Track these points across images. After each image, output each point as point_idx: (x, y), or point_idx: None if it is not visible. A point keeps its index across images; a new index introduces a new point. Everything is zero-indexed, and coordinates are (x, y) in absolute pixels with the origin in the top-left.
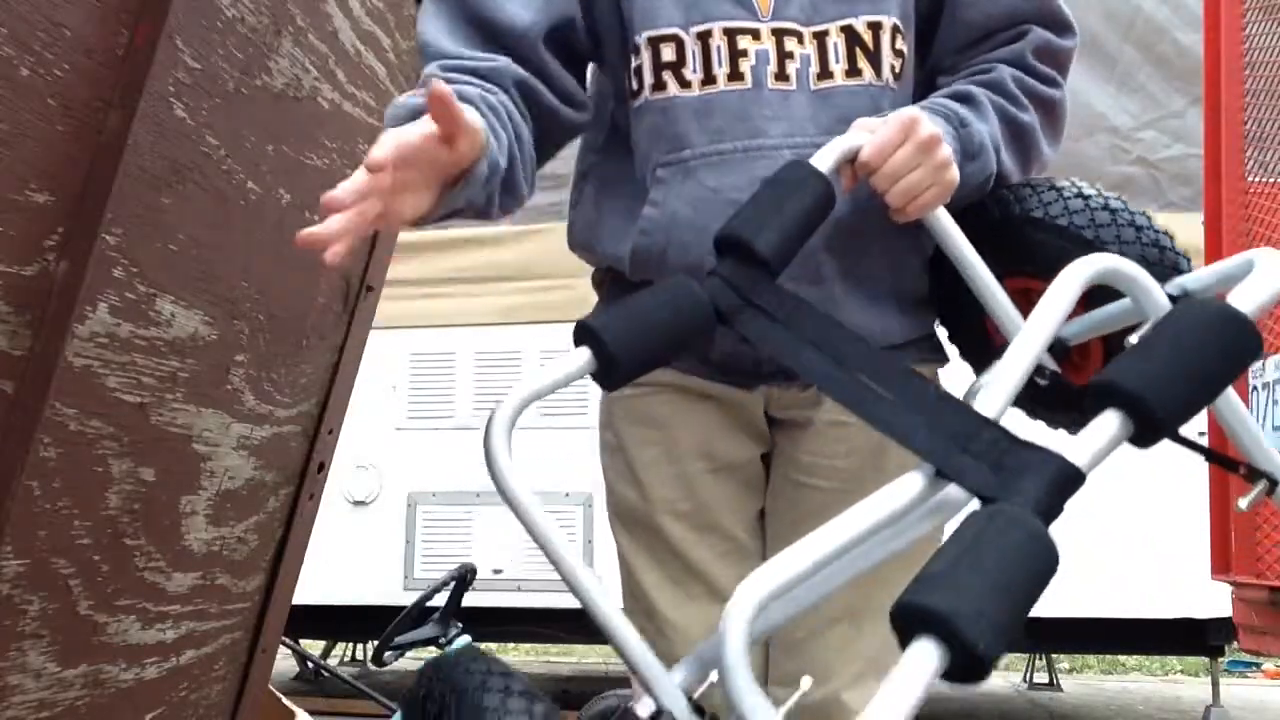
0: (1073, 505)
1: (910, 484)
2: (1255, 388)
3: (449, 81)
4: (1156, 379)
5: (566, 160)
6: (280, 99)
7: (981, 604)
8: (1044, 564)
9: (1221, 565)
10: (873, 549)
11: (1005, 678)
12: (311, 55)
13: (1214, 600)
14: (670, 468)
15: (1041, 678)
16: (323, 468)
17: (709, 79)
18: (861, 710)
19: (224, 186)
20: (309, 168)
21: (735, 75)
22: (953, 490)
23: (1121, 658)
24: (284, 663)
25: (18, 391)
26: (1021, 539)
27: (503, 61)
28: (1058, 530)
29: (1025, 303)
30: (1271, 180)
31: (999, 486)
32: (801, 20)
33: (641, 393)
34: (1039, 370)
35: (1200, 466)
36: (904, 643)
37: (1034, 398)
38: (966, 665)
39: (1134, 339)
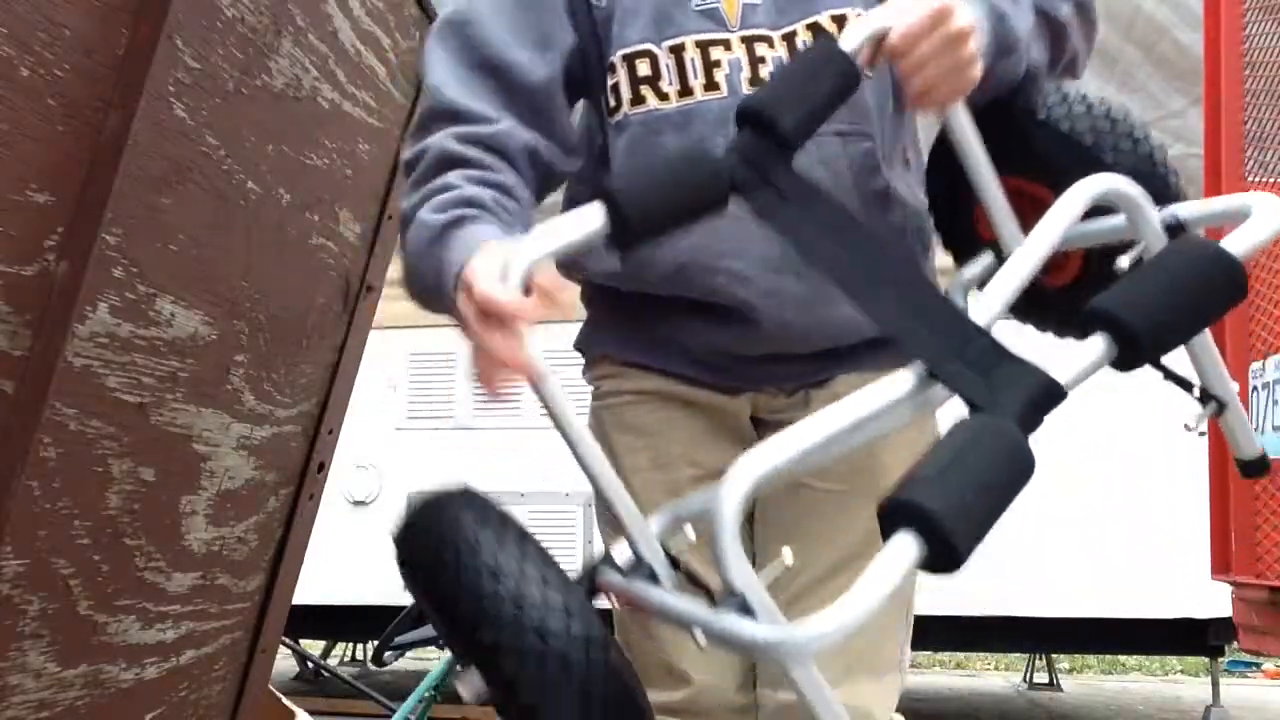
0: (1073, 505)
1: (903, 381)
2: (1255, 388)
3: (460, 159)
4: (1147, 310)
5: None
6: (280, 99)
7: (962, 504)
8: (1020, 473)
9: (1221, 565)
10: (858, 432)
11: (1005, 678)
12: (311, 55)
13: (1214, 600)
14: (658, 474)
15: (1041, 678)
16: (323, 468)
17: (685, 90)
18: (852, 706)
19: (224, 186)
20: (309, 168)
21: (711, 85)
22: (939, 389)
23: (1121, 658)
24: (284, 663)
25: (18, 391)
26: (1003, 449)
27: (508, 125)
28: (1057, 523)
29: (1015, 203)
30: (1271, 180)
31: (986, 395)
32: (768, 25)
33: (629, 401)
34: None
35: (1201, 467)
36: (887, 535)
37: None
38: (943, 557)
39: (1125, 261)
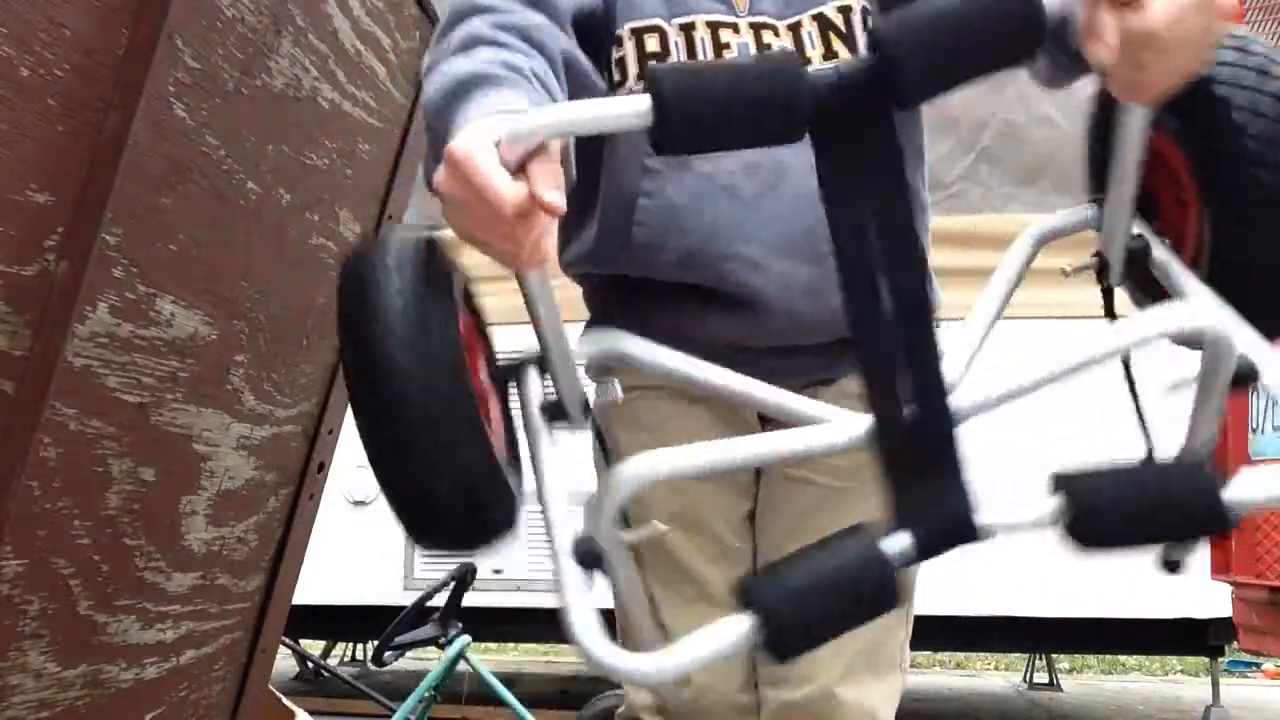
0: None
1: (844, 431)
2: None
3: (497, 41)
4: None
5: None
6: (280, 99)
7: (802, 615)
8: (877, 606)
9: (1221, 565)
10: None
11: (1005, 678)
12: (311, 55)
13: (1214, 600)
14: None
15: (1041, 678)
16: (323, 468)
17: None
18: (855, 703)
19: (224, 186)
20: (309, 168)
21: None
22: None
23: (1121, 658)
24: (284, 663)
25: (18, 391)
26: (871, 583)
27: (545, 21)
28: (1054, 532)
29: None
30: None
31: (908, 503)
32: (775, 15)
33: (635, 396)
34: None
35: None
36: (741, 607)
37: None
38: (773, 649)
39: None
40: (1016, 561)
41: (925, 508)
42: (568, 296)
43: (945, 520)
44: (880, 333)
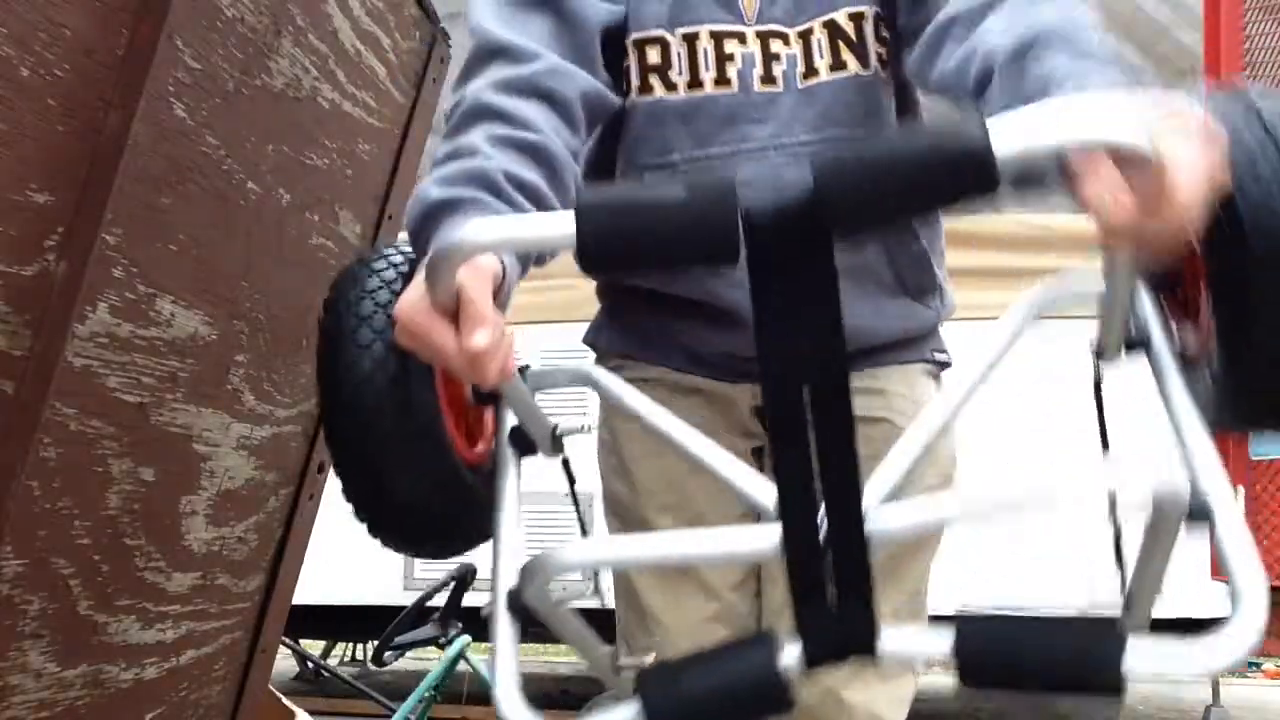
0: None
1: (755, 541)
2: None
3: (493, 112)
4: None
5: None
6: (280, 99)
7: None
8: (760, 708)
9: (1221, 565)
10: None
11: None
12: (311, 55)
13: (1214, 600)
14: (657, 462)
15: None
16: (323, 468)
17: (695, 82)
18: (862, 707)
19: (224, 186)
20: (309, 168)
21: (722, 80)
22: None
23: None
24: (284, 663)
25: (18, 391)
26: (756, 686)
27: (554, 62)
28: (1057, 522)
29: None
30: None
31: (815, 626)
32: (786, 21)
33: (634, 389)
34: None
35: None
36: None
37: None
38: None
39: None
40: (1016, 561)
41: (825, 624)
42: (567, 299)
43: (840, 640)
44: (800, 445)
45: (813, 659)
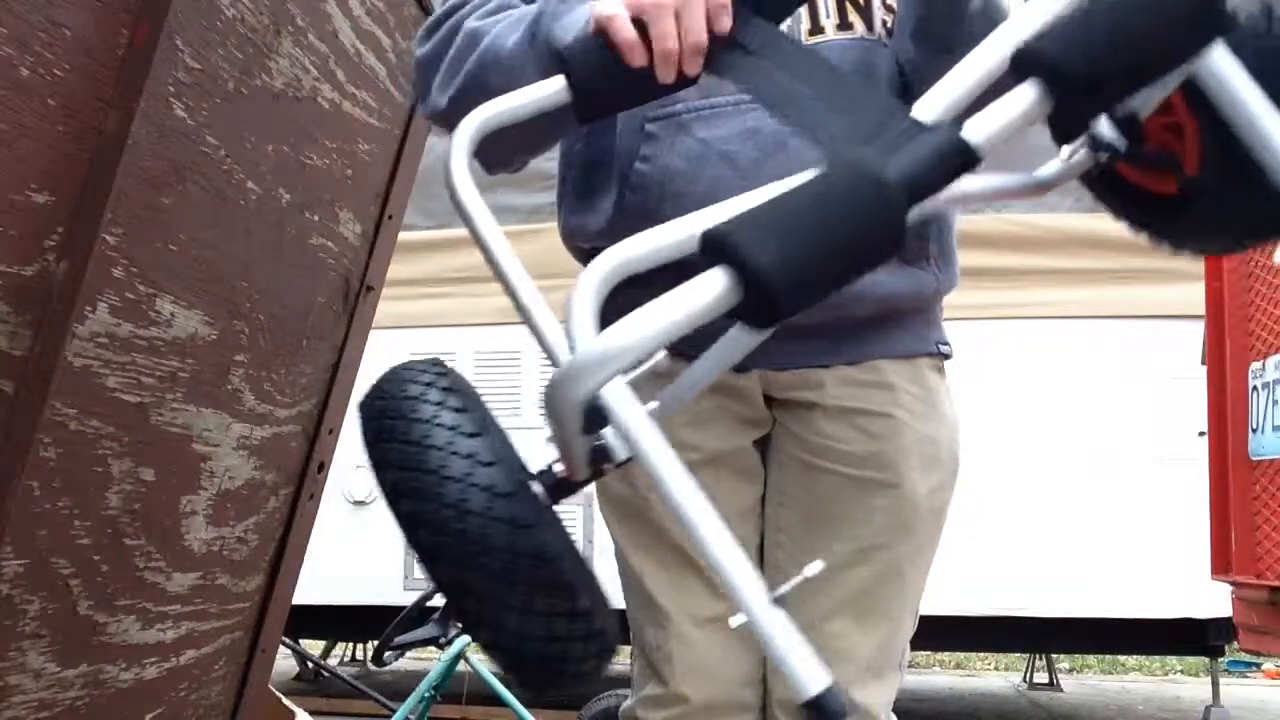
0: (1073, 504)
1: (803, 175)
2: (1255, 388)
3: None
4: (1087, 47)
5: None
6: (280, 99)
7: (776, 233)
8: (863, 205)
9: (1221, 565)
10: None
11: (1005, 678)
12: (311, 55)
13: (1214, 600)
14: None
15: (1041, 678)
16: (323, 468)
17: None
18: (870, 706)
19: (224, 186)
20: (309, 168)
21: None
22: None
23: (1121, 658)
24: (284, 663)
25: (18, 391)
26: (845, 180)
27: None
28: (1057, 523)
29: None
30: None
31: (884, 160)
32: None
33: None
34: (1097, 144)
35: (1200, 466)
36: (705, 266)
37: (1110, 188)
38: (757, 291)
39: None
40: (1016, 561)
41: (909, 151)
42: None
43: (938, 144)
44: (826, 116)
45: (908, 180)
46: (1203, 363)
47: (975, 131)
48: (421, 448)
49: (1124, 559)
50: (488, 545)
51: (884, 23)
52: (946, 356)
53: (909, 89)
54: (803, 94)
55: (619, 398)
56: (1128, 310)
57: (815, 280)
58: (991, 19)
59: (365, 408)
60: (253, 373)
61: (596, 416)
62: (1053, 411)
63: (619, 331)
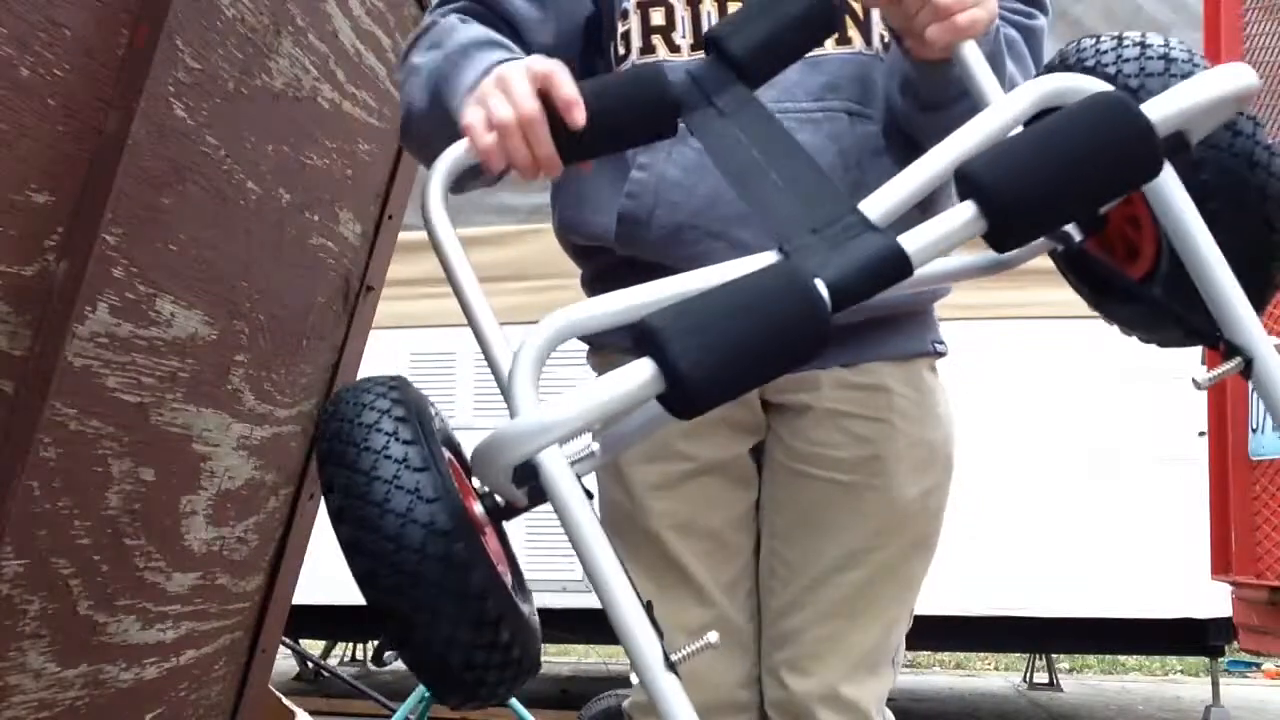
0: (1073, 504)
1: (759, 260)
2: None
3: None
4: (1022, 174)
5: None
6: (280, 99)
7: (699, 331)
8: (786, 310)
9: (1221, 565)
10: None
11: (1005, 678)
12: (311, 55)
13: (1214, 600)
14: (654, 466)
15: (1041, 678)
16: None
17: (699, 44)
18: (862, 701)
19: (224, 186)
20: (309, 168)
21: None
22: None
23: (1121, 658)
24: (284, 663)
25: (18, 391)
26: (772, 285)
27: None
28: (1056, 523)
29: None
30: None
31: (822, 262)
32: None
33: None
34: (1058, 235)
35: (1201, 465)
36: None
37: (1080, 278)
38: (676, 386)
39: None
40: (1016, 561)
41: (848, 256)
42: (566, 298)
43: (875, 252)
44: (779, 203)
45: (838, 288)
46: (1203, 363)
47: (912, 241)
48: (368, 478)
49: (1124, 559)
50: (420, 579)
51: (882, 38)
52: (941, 355)
53: (901, 86)
54: (762, 170)
55: (552, 465)
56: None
57: (733, 379)
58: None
59: (322, 425)
60: (253, 373)
61: (528, 473)
62: (1052, 411)
63: (557, 407)
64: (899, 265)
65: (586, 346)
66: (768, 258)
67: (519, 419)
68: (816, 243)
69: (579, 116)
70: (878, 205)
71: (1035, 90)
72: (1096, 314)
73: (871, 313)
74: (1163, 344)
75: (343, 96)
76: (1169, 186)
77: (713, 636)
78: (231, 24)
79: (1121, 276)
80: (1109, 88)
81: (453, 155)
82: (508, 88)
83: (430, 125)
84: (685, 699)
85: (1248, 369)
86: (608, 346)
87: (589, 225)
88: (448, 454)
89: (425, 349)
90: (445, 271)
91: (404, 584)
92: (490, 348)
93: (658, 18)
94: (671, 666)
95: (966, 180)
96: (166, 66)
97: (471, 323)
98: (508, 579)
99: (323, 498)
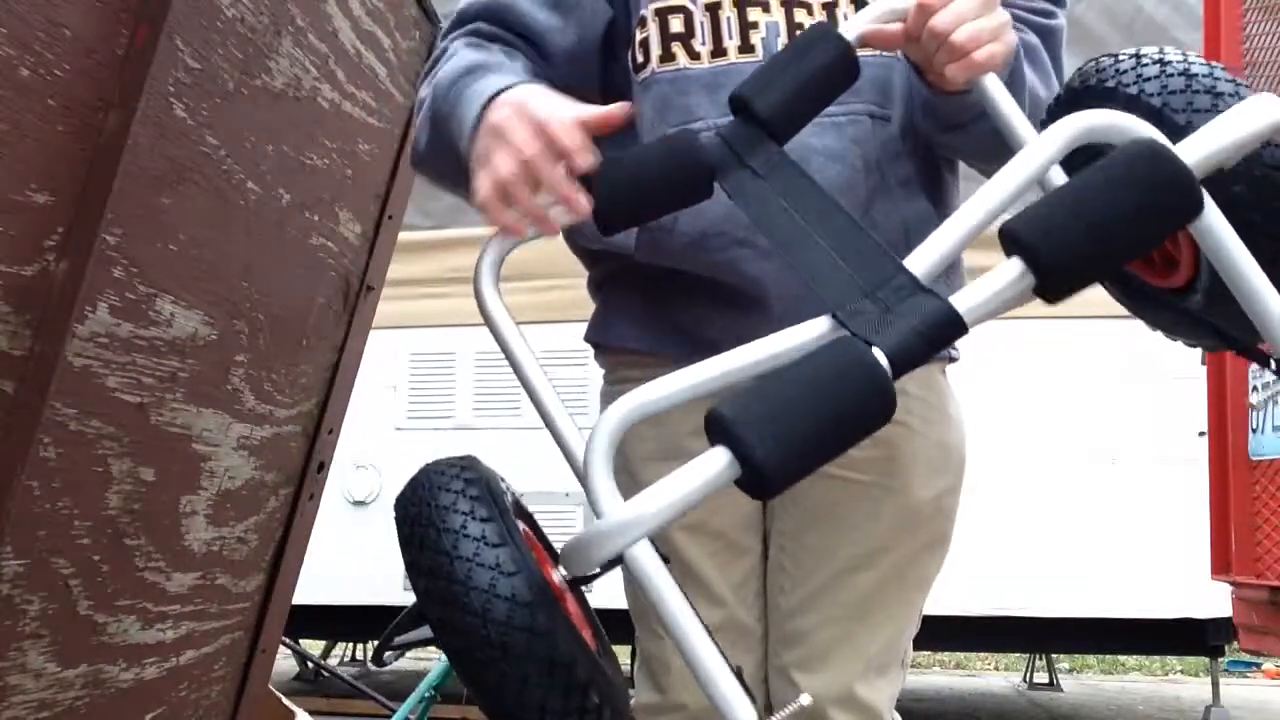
0: (1073, 504)
1: (813, 329)
2: (1255, 387)
3: (476, 33)
4: (1066, 230)
5: None
6: (280, 99)
7: (769, 418)
8: (859, 395)
9: (1221, 565)
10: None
11: (1005, 678)
12: (311, 55)
13: (1214, 600)
14: (664, 466)
15: (1041, 678)
16: (323, 468)
17: (719, 51)
18: (874, 702)
19: (224, 186)
20: (309, 168)
21: (746, 48)
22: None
23: (1121, 658)
24: (284, 663)
25: (18, 391)
26: (835, 362)
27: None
28: (1057, 522)
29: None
30: None
31: (877, 329)
32: None
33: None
34: None
35: (1201, 465)
36: (713, 443)
37: (1115, 284)
38: (751, 472)
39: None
40: (1016, 561)
41: (903, 320)
42: (566, 298)
43: (923, 317)
44: (824, 265)
45: (898, 356)
46: (1203, 363)
47: (964, 302)
48: (450, 558)
49: (1124, 559)
50: (508, 651)
51: None
52: (953, 360)
53: (923, 108)
54: (805, 234)
55: (642, 557)
56: (1128, 310)
57: (808, 458)
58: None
59: (399, 509)
60: (253, 373)
61: (616, 561)
62: (1053, 412)
63: (643, 504)
64: (954, 329)
65: (592, 349)
66: (820, 325)
67: (607, 519)
68: (870, 309)
69: (581, 162)
70: (923, 261)
71: (1067, 131)
72: (1133, 316)
73: None
74: (1204, 349)
75: (343, 96)
76: (1210, 217)
77: (806, 700)
78: (231, 24)
79: (1160, 289)
80: (1141, 126)
81: (497, 248)
82: (506, 138)
83: (435, 165)
84: None
85: None
86: (614, 348)
87: (611, 243)
88: (522, 525)
89: (425, 349)
90: (508, 359)
91: (494, 657)
92: (561, 436)
93: (676, 24)
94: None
95: (1014, 240)
96: (166, 66)
97: (540, 410)
98: (590, 642)
99: (412, 586)
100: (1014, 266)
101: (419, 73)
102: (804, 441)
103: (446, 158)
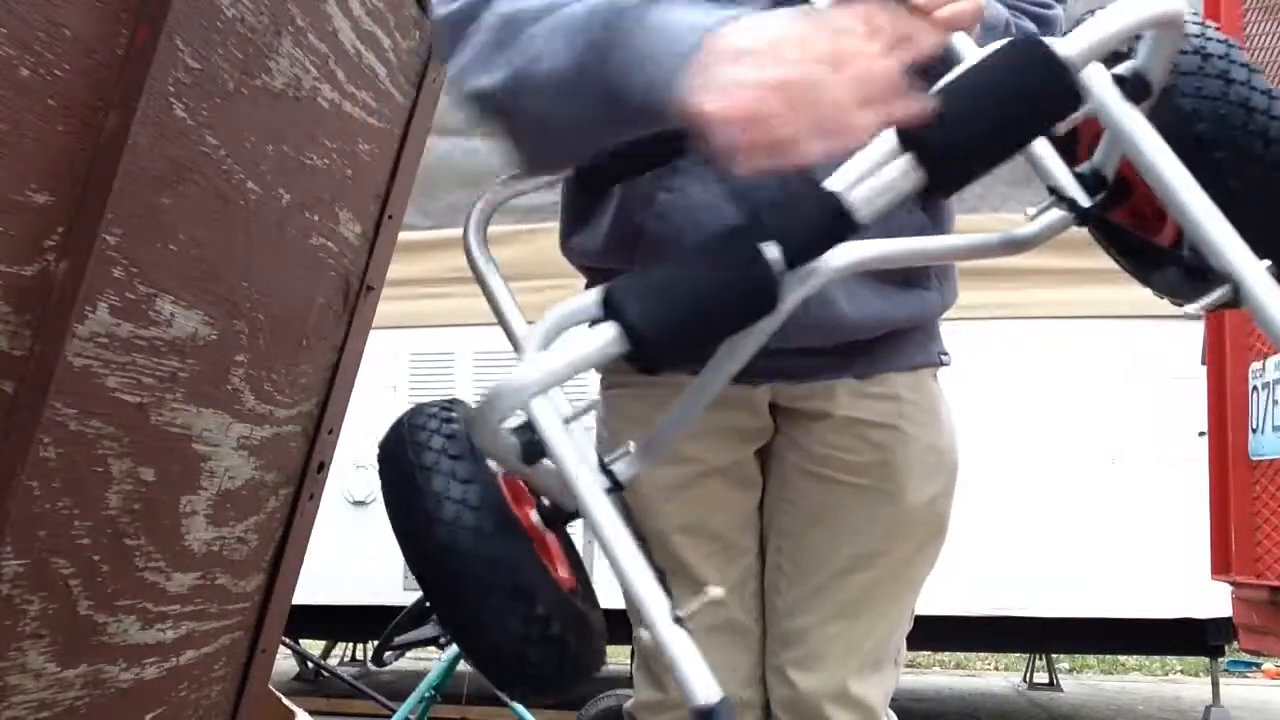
0: (1073, 504)
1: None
2: (1255, 388)
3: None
4: (945, 119)
5: None
6: (280, 99)
7: (656, 297)
8: (734, 274)
9: (1221, 565)
10: None
11: (1005, 678)
12: (311, 55)
13: (1214, 600)
14: (662, 469)
15: (1041, 678)
16: (323, 468)
17: None
18: (869, 699)
19: (224, 186)
20: (309, 168)
21: None
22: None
23: (1121, 658)
24: (284, 663)
25: (18, 391)
26: (718, 252)
27: None
28: (1057, 522)
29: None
30: None
31: (770, 226)
32: None
33: (634, 394)
34: (1066, 202)
35: (1201, 465)
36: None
37: (1119, 249)
38: (636, 345)
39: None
40: (1016, 561)
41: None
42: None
43: (817, 204)
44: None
45: (790, 245)
46: (1203, 363)
47: (846, 187)
48: (421, 492)
49: (1124, 559)
50: (471, 581)
51: None
52: (945, 365)
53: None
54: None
55: (543, 417)
56: (1128, 310)
57: (693, 338)
58: None
59: (381, 449)
60: (253, 373)
61: (532, 448)
62: (1053, 412)
63: (535, 366)
64: (843, 218)
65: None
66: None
67: (504, 381)
68: (771, 212)
69: (929, 39)
70: (840, 180)
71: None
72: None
73: (885, 331)
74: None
75: (343, 96)
76: (1133, 131)
77: (714, 591)
78: (231, 24)
79: (1151, 243)
80: (1079, 52)
81: (492, 200)
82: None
83: (585, 105)
84: (693, 648)
85: (1236, 294)
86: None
87: (608, 259)
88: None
89: (425, 349)
90: (485, 295)
91: (459, 591)
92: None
93: None
94: (678, 620)
95: (902, 135)
96: (166, 66)
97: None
98: (567, 580)
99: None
100: (903, 160)
101: (419, 73)
102: (689, 319)
103: (595, 81)
